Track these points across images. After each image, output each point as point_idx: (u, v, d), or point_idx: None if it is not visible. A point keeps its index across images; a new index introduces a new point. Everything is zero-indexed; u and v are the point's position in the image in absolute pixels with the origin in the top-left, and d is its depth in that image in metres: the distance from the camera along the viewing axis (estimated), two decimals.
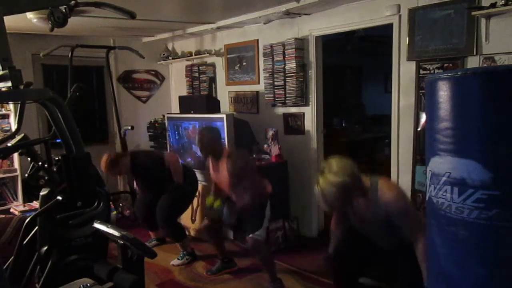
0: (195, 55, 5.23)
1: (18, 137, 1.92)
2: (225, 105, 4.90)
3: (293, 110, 4.25)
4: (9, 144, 1.91)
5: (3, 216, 3.13)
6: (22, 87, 1.22)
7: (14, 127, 2.48)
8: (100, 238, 1.67)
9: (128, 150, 4.26)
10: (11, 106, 4.47)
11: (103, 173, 3.61)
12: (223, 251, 3.55)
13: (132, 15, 1.81)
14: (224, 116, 4.08)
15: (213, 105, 4.48)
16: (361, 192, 2.20)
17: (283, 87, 4.18)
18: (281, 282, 3.22)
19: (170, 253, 3.93)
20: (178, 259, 3.84)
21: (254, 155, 4.18)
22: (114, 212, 4.82)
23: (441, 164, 1.73)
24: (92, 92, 5.46)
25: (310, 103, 4.13)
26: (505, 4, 2.68)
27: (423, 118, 3.16)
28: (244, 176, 3.13)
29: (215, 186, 3.42)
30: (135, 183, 4.10)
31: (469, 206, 1.62)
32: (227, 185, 3.20)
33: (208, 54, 5.06)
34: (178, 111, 4.85)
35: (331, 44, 4.85)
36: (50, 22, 1.71)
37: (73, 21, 1.87)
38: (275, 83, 4.26)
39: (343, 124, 7.18)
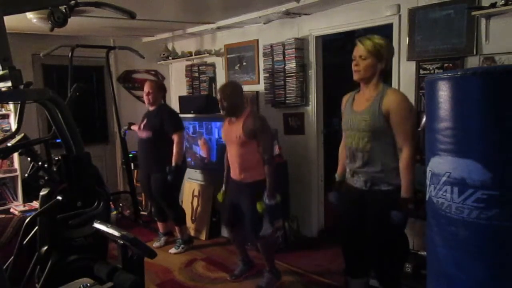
0: (195, 55, 5.23)
1: (18, 137, 1.92)
2: None
3: (293, 110, 4.25)
4: (9, 144, 1.91)
5: (3, 216, 3.13)
6: (22, 87, 1.22)
7: (14, 127, 2.48)
8: (100, 238, 1.67)
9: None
10: (11, 106, 4.48)
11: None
12: (244, 252, 3.49)
13: (132, 15, 1.81)
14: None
15: (213, 105, 4.47)
16: (384, 66, 2.30)
17: (283, 87, 4.18)
18: (278, 272, 3.27)
19: (170, 253, 3.95)
20: (175, 248, 4.00)
21: None
22: (114, 212, 4.83)
23: (441, 164, 1.73)
24: (92, 92, 5.46)
25: (310, 103, 4.13)
26: (505, 4, 2.68)
27: (423, 118, 3.16)
28: (256, 137, 3.02)
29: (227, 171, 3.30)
30: (139, 125, 4.07)
31: (469, 206, 1.62)
32: (237, 143, 3.06)
33: (208, 54, 5.06)
34: (178, 111, 4.85)
35: (331, 44, 4.84)
36: (50, 22, 1.71)
37: (73, 21, 1.87)
38: (275, 83, 4.26)
39: None
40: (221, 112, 3.18)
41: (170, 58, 5.61)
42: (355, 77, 2.33)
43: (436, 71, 3.15)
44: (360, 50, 2.29)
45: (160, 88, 3.95)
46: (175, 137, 3.75)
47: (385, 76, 2.38)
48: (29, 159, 1.90)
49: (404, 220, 2.28)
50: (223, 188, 3.35)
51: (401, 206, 2.22)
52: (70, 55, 4.11)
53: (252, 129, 3.02)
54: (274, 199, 3.01)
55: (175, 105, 5.30)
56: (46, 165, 1.82)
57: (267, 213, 3.06)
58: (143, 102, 4.08)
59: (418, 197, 2.94)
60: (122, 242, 1.35)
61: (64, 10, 1.68)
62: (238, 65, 4.79)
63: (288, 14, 3.93)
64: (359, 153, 2.32)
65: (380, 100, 2.25)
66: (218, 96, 3.12)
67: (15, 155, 4.46)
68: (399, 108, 2.21)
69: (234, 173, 3.17)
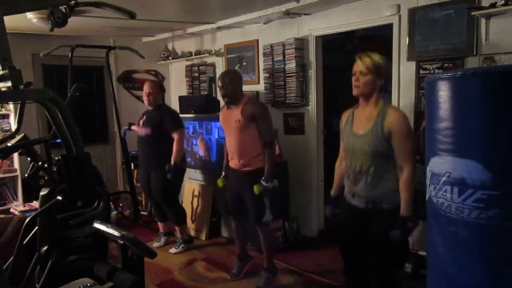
0: (195, 55, 5.23)
1: (18, 137, 1.91)
2: None
3: (293, 110, 4.25)
4: (9, 144, 1.91)
5: (3, 216, 3.14)
6: (22, 87, 1.22)
7: (14, 127, 2.48)
8: (100, 238, 1.67)
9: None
10: (11, 106, 4.48)
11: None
12: (242, 246, 3.49)
13: (132, 15, 1.81)
14: None
15: (213, 105, 4.48)
16: (383, 82, 2.31)
17: (283, 87, 4.18)
18: (275, 269, 3.29)
19: (170, 253, 3.95)
20: (175, 248, 4.00)
21: None
22: (114, 212, 4.83)
23: (441, 164, 1.73)
24: (92, 92, 5.46)
25: (310, 103, 4.13)
26: (505, 4, 2.68)
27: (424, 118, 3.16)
28: (255, 121, 3.05)
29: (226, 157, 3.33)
30: (137, 124, 4.06)
31: (469, 206, 1.62)
32: (236, 129, 3.09)
33: (208, 54, 5.06)
34: (178, 111, 4.85)
35: (331, 44, 4.84)
36: (50, 22, 1.71)
37: (73, 21, 1.86)
38: (275, 83, 4.26)
39: None
40: (222, 99, 3.21)
41: (170, 58, 5.61)
42: (355, 92, 2.33)
43: (436, 71, 3.15)
44: (359, 66, 2.29)
45: (160, 89, 3.97)
46: (175, 135, 3.76)
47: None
48: (29, 159, 1.89)
49: (404, 238, 2.28)
50: (223, 173, 3.39)
51: (401, 224, 2.21)
52: (70, 55, 4.12)
53: (252, 112, 3.05)
54: (272, 182, 3.05)
55: (175, 105, 5.30)
56: (46, 165, 1.82)
57: (265, 196, 3.09)
58: (143, 102, 4.08)
59: (418, 197, 2.95)
60: (122, 242, 1.35)
61: (64, 10, 1.68)
62: (238, 65, 4.79)
63: (288, 14, 3.93)
64: (363, 176, 2.32)
65: (381, 121, 2.23)
66: (219, 84, 3.15)
67: (15, 155, 4.46)
68: (401, 128, 2.21)
69: (233, 162, 3.19)
